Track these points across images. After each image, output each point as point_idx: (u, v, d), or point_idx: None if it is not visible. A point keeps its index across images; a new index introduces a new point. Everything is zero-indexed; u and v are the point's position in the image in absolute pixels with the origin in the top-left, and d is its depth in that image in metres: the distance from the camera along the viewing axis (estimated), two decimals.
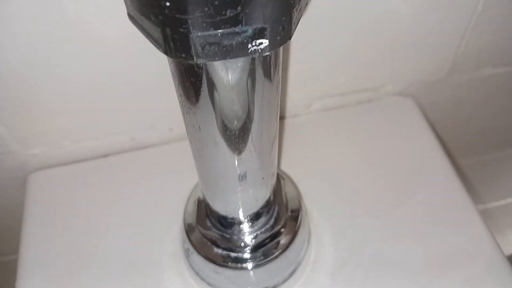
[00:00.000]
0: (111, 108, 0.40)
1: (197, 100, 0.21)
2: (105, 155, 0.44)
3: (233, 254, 0.33)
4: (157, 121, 0.43)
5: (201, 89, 0.21)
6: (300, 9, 0.17)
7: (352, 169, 0.43)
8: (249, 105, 0.22)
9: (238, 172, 0.27)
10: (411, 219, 0.40)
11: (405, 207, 0.41)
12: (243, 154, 0.25)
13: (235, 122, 0.23)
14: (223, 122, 0.23)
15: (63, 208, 0.41)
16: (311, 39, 0.39)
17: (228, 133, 0.23)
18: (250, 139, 0.24)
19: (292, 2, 0.16)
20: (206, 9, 0.15)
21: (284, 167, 0.43)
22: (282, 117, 0.47)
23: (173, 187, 0.41)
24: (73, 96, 0.38)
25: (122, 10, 0.30)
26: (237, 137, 0.24)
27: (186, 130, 0.25)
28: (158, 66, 0.37)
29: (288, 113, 0.46)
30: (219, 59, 0.17)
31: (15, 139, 0.40)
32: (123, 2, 0.17)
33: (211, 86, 0.20)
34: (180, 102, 0.23)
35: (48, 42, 0.33)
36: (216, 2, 0.15)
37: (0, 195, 0.46)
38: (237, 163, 0.26)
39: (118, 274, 0.37)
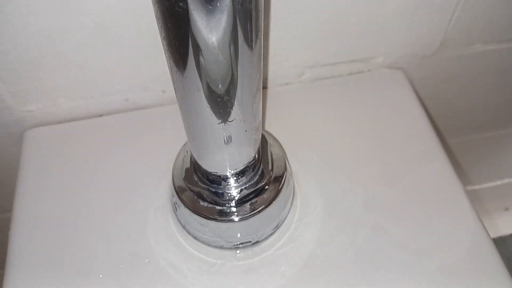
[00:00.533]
0: (106, 68, 0.41)
1: (179, 43, 0.22)
2: (100, 115, 0.45)
3: (218, 207, 0.35)
4: (150, 83, 0.44)
5: (183, 32, 0.22)
6: None
7: (340, 138, 0.44)
8: (229, 50, 0.23)
9: (221, 122, 0.28)
10: (399, 195, 0.40)
11: (390, 178, 0.42)
12: (225, 103, 0.26)
13: (216, 67, 0.24)
14: (205, 67, 0.24)
15: (57, 164, 0.42)
16: (303, 7, 0.40)
17: (210, 79, 0.24)
18: (231, 87, 0.25)
19: None
20: None
21: (275, 133, 0.44)
22: (273, 85, 0.48)
23: (164, 146, 0.42)
24: (68, 54, 0.39)
25: None
26: (218, 83, 0.25)
27: (172, 79, 0.26)
28: (153, 28, 0.37)
29: (280, 80, 0.47)
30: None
31: (11, 94, 0.42)
32: None
33: (193, 29, 0.21)
34: (164, 48, 0.24)
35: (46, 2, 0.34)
36: None
37: None
38: (220, 113, 0.27)
39: (106, 227, 0.38)
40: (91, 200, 0.40)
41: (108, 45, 0.39)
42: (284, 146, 0.42)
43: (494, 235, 0.90)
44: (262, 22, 0.24)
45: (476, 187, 0.80)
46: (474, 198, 0.78)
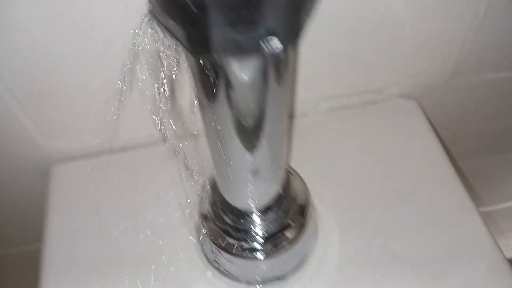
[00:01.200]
0: (131, 105, 0.43)
1: (214, 97, 0.24)
2: (124, 150, 0.47)
3: (244, 244, 0.36)
4: (173, 119, 0.45)
5: (218, 87, 0.23)
6: (309, 13, 0.20)
7: (357, 168, 0.45)
8: (261, 103, 0.24)
9: (251, 165, 0.29)
10: (414, 219, 0.42)
11: (408, 207, 0.42)
12: (255, 148, 0.27)
13: (249, 118, 0.25)
14: (237, 118, 0.25)
15: (83, 198, 0.44)
16: (318, 41, 0.41)
17: (241, 128, 0.26)
18: (262, 134, 0.26)
19: (302, 6, 0.19)
20: (227, 12, 0.17)
21: (293, 164, 0.45)
22: (291, 116, 0.49)
23: (188, 180, 0.43)
24: (96, 92, 0.41)
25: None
26: (250, 132, 0.26)
27: (203, 125, 0.28)
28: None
29: (297, 112, 0.49)
30: (234, 55, 0.20)
31: (39, 132, 0.43)
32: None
33: (227, 84, 0.23)
34: (197, 99, 0.25)
35: (73, 43, 0.36)
36: (235, 5, 0.17)
37: (23, 184, 0.49)
38: (250, 157, 0.28)
39: (132, 259, 0.39)
40: (118, 233, 0.41)
41: (133, 83, 0.41)
42: (303, 177, 0.43)
43: (509, 255, 0.89)
44: (290, 75, 0.25)
45: (490, 208, 0.80)
46: (488, 219, 0.78)
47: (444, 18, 0.42)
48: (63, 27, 0.35)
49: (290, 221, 0.37)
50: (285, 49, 0.20)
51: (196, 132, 0.47)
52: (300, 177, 0.41)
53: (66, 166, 0.47)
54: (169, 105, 0.39)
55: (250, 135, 0.26)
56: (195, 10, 0.17)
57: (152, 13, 0.20)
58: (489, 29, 0.45)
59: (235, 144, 0.27)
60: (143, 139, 0.46)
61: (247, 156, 0.28)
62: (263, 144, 0.27)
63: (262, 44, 0.19)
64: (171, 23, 0.19)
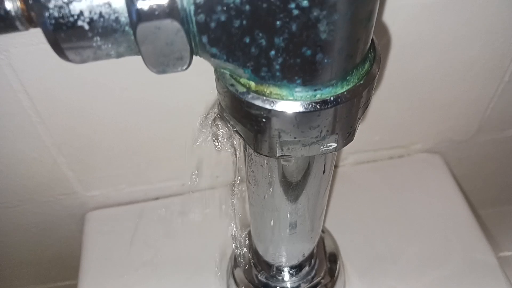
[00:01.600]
0: (166, 157, 0.45)
1: (267, 178, 0.25)
2: (157, 198, 0.48)
3: None
4: (205, 170, 0.47)
5: (272, 171, 0.25)
6: (362, 118, 0.21)
7: (382, 221, 0.46)
8: (307, 183, 0.26)
9: (290, 232, 0.30)
10: (437, 272, 0.43)
11: (432, 259, 0.44)
12: (297, 219, 0.29)
13: (294, 197, 0.27)
14: (284, 195, 0.27)
15: (117, 244, 0.45)
16: None
17: (287, 204, 0.27)
18: (303, 209, 0.28)
19: (358, 116, 0.20)
20: (294, 126, 0.19)
21: None
22: None
23: (219, 229, 0.45)
24: (135, 147, 0.42)
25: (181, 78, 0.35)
26: (294, 207, 0.28)
27: (249, 196, 0.29)
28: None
29: None
30: (294, 157, 0.21)
31: (79, 182, 0.45)
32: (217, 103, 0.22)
33: (281, 169, 0.24)
34: (249, 176, 0.27)
35: (116, 102, 0.38)
36: (303, 122, 0.19)
37: (59, 229, 0.51)
38: (291, 225, 0.30)
39: None
40: (149, 281, 0.43)
41: (168, 138, 0.43)
42: (330, 232, 0.44)
43: None
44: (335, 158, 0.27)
45: (507, 253, 0.81)
46: (505, 264, 0.78)
47: (472, 81, 0.44)
48: (109, 93, 0.37)
49: (321, 280, 0.38)
50: (339, 150, 0.22)
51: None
52: (331, 235, 0.42)
53: (100, 212, 0.48)
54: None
55: (293, 208, 0.28)
56: (264, 122, 0.19)
57: (221, 114, 0.22)
58: None
59: (278, 214, 0.29)
60: (176, 188, 0.48)
61: (287, 225, 0.30)
62: (305, 216, 0.29)
63: (322, 149, 0.21)
64: (241, 127, 0.21)
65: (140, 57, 0.17)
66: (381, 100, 0.44)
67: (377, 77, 0.20)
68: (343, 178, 0.50)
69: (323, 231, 0.41)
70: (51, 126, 0.39)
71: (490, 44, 0.40)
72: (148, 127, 0.41)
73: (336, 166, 0.51)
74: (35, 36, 0.32)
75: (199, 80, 0.36)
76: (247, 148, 0.25)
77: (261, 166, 0.25)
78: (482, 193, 0.63)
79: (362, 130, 0.47)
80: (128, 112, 0.39)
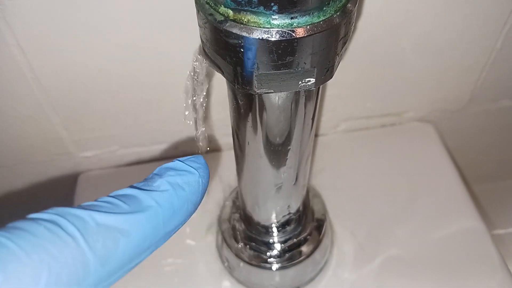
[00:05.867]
0: (160, 120, 0.45)
1: (249, 120, 0.26)
2: (150, 161, 0.49)
3: (262, 256, 0.38)
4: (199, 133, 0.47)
5: (254, 111, 0.25)
6: (341, 55, 0.22)
7: (373, 187, 0.47)
8: (291, 126, 0.26)
9: (276, 182, 0.31)
10: (426, 237, 0.43)
11: (420, 225, 0.44)
12: (282, 167, 0.29)
13: (278, 139, 0.27)
14: (268, 139, 0.27)
15: None
16: (342, 68, 0.43)
17: (271, 148, 0.28)
18: (289, 154, 0.29)
19: (336, 51, 0.21)
20: (271, 55, 0.19)
21: (312, 180, 0.47)
22: None
23: (211, 191, 0.45)
24: (128, 108, 0.43)
25: (183, 40, 0.35)
26: (278, 152, 0.28)
27: (234, 144, 0.30)
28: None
29: (317, 132, 0.51)
30: (274, 92, 0.22)
31: (73, 142, 0.46)
32: (199, 39, 0.22)
33: (262, 110, 0.25)
34: (233, 121, 0.28)
35: (111, 62, 0.38)
36: (280, 51, 0.19)
37: (53, 191, 0.51)
38: (276, 175, 0.30)
39: (151, 268, 0.42)
40: None
41: (163, 99, 0.43)
42: (321, 194, 0.44)
43: None
44: (318, 102, 0.27)
45: (501, 231, 0.81)
46: (499, 242, 0.79)
47: (464, 48, 0.44)
48: (106, 52, 0.37)
49: (307, 236, 0.39)
50: (318, 86, 0.22)
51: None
52: (318, 194, 0.43)
53: (93, 173, 0.49)
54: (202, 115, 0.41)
55: (277, 153, 0.28)
56: (243, 52, 0.19)
57: (203, 50, 0.22)
58: (506, 60, 0.47)
59: (263, 161, 0.29)
60: (170, 151, 0.49)
61: (273, 173, 0.30)
62: (289, 163, 0.29)
63: (301, 84, 0.21)
64: (220, 61, 0.21)
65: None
66: (372, 68, 0.44)
67: (354, 12, 0.21)
68: (335, 145, 0.51)
69: (312, 193, 0.42)
70: (46, 84, 0.39)
71: (481, 11, 0.40)
72: (142, 88, 0.41)
73: (327, 134, 0.51)
74: None
75: (193, 41, 0.36)
76: (230, 90, 0.26)
77: (244, 108, 0.25)
78: (475, 167, 0.63)
79: (354, 95, 0.47)
80: (123, 72, 0.39)
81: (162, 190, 0.18)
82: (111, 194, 0.17)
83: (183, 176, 0.19)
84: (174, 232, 0.18)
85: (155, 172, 0.19)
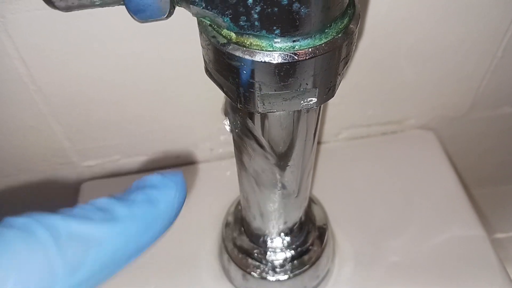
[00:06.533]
0: (162, 129, 0.45)
1: (252, 135, 0.26)
2: (152, 170, 0.49)
3: (265, 267, 0.38)
4: (200, 142, 0.48)
5: (257, 128, 0.25)
6: (343, 74, 0.22)
7: (374, 195, 0.47)
8: (292, 141, 0.27)
9: (278, 195, 0.31)
10: (427, 244, 0.44)
11: (420, 232, 0.44)
12: (283, 181, 0.30)
13: (280, 155, 0.27)
14: (271, 154, 0.27)
15: None
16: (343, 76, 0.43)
17: (273, 163, 0.28)
18: (291, 168, 0.29)
19: (337, 71, 0.21)
20: (274, 77, 0.19)
21: (313, 188, 0.47)
22: None
23: (212, 200, 0.46)
24: (130, 118, 0.43)
25: (185, 49, 0.35)
26: (280, 166, 0.28)
27: (236, 158, 0.30)
28: (205, 98, 0.42)
29: (318, 139, 0.51)
30: (276, 111, 0.22)
31: (76, 152, 0.46)
32: (202, 57, 0.22)
33: (265, 126, 0.25)
34: (236, 136, 0.28)
35: (113, 72, 0.38)
36: (282, 73, 0.19)
37: (55, 200, 0.52)
38: (278, 188, 0.30)
39: (157, 273, 0.42)
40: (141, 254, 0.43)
41: (164, 109, 0.43)
42: (322, 203, 0.45)
43: None
44: (320, 117, 0.27)
45: (501, 235, 0.81)
46: (499, 246, 0.79)
47: (465, 56, 0.44)
48: (108, 62, 0.37)
49: (309, 245, 0.39)
50: (320, 105, 0.22)
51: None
52: (319, 202, 0.43)
53: (95, 183, 0.49)
54: None
55: (279, 168, 0.29)
56: (245, 74, 0.20)
57: (207, 70, 0.22)
58: (507, 67, 0.47)
59: (266, 176, 0.29)
60: (171, 160, 0.49)
61: (275, 186, 0.30)
62: (291, 177, 0.30)
63: (303, 103, 0.21)
64: (223, 81, 0.21)
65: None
66: (373, 74, 0.44)
67: (356, 33, 0.21)
68: (336, 154, 0.51)
69: (313, 202, 0.42)
70: (48, 94, 0.39)
71: (482, 18, 0.41)
72: (144, 97, 0.42)
73: (329, 142, 0.51)
74: (32, 3, 0.32)
75: (196, 49, 0.36)
76: (233, 106, 0.26)
77: (245, 125, 0.25)
78: (476, 172, 0.64)
79: (355, 104, 0.47)
80: (125, 82, 0.40)
81: (137, 203, 0.18)
82: (88, 202, 0.17)
83: (160, 190, 0.19)
84: (147, 247, 0.18)
85: (134, 183, 0.19)
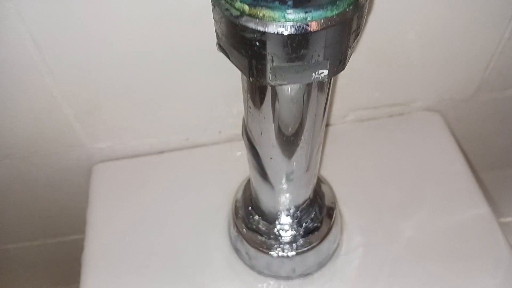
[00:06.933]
0: (171, 111, 0.46)
1: (263, 110, 0.27)
2: (161, 152, 0.50)
3: (274, 243, 0.38)
4: (209, 124, 0.48)
5: (268, 102, 0.26)
6: (353, 47, 0.22)
7: (381, 176, 0.48)
8: (303, 116, 0.27)
9: (287, 171, 0.32)
10: (434, 225, 0.44)
11: (429, 213, 0.45)
12: (293, 156, 0.30)
13: (290, 129, 0.28)
14: (280, 129, 0.28)
15: (122, 196, 0.47)
16: (351, 58, 0.43)
17: (284, 138, 0.28)
18: (301, 144, 0.29)
19: (348, 43, 0.21)
20: (286, 49, 0.20)
21: (321, 170, 0.48)
22: None
23: (220, 181, 0.46)
24: (140, 100, 0.44)
25: (196, 32, 0.36)
26: (290, 142, 0.29)
27: (248, 135, 0.30)
28: (215, 80, 0.43)
29: (326, 122, 0.51)
30: (288, 84, 0.22)
31: (86, 134, 0.46)
32: (215, 32, 0.23)
33: (276, 101, 0.26)
34: (247, 112, 0.28)
35: (124, 55, 0.39)
36: (294, 44, 0.20)
37: (67, 182, 0.52)
38: (288, 164, 0.31)
39: (168, 255, 0.43)
40: (153, 232, 0.44)
41: (174, 91, 0.44)
42: (330, 183, 0.45)
43: None
44: (330, 93, 0.28)
45: (509, 219, 0.82)
46: (506, 229, 0.79)
47: (472, 38, 0.44)
48: (119, 45, 0.38)
49: (318, 223, 0.39)
50: (331, 78, 0.23)
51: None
52: (328, 183, 0.44)
53: (106, 165, 0.50)
54: None
55: (289, 143, 0.29)
56: (258, 46, 0.20)
57: (219, 44, 0.23)
58: None
59: (275, 151, 0.30)
60: (180, 142, 0.49)
61: (284, 162, 0.31)
62: (301, 152, 0.30)
63: (314, 76, 0.22)
64: (236, 54, 0.22)
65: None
66: (380, 56, 0.45)
67: (366, 6, 0.21)
68: (344, 135, 0.51)
69: (322, 182, 0.42)
70: (59, 77, 0.40)
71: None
72: (154, 79, 0.42)
73: (336, 124, 0.52)
74: None
75: (206, 32, 0.37)
76: (245, 82, 0.26)
77: (258, 98, 0.26)
78: (483, 155, 0.64)
79: (362, 86, 0.48)
80: (134, 63, 0.40)
81: None
82: None
83: None
84: None
85: None
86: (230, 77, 0.41)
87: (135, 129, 0.47)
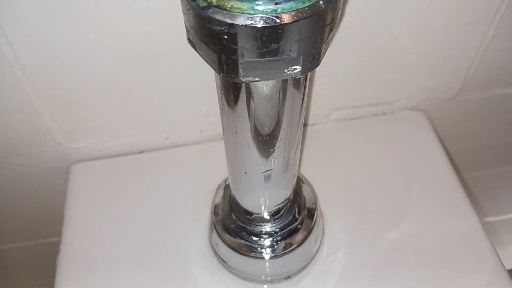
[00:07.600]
0: (150, 110, 0.45)
1: (237, 109, 0.26)
2: (141, 152, 0.49)
3: (254, 246, 0.38)
4: (190, 124, 0.47)
5: (242, 101, 0.25)
6: (328, 42, 0.22)
7: (364, 176, 0.47)
8: (279, 115, 0.26)
9: (265, 172, 0.31)
10: (417, 225, 0.43)
11: (411, 213, 0.44)
12: (270, 157, 0.29)
13: (267, 129, 0.27)
14: (256, 128, 0.27)
15: (100, 197, 0.46)
16: (333, 57, 0.43)
17: (260, 138, 0.28)
18: (277, 144, 0.28)
19: (322, 37, 0.20)
20: (256, 42, 0.19)
21: (302, 170, 0.47)
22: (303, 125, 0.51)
23: (201, 182, 0.45)
24: (117, 98, 0.43)
25: (176, 28, 0.35)
26: (267, 141, 0.28)
27: (224, 134, 0.30)
28: (195, 78, 0.42)
29: (308, 121, 0.50)
30: (260, 80, 0.21)
31: (63, 133, 0.45)
32: (184, 27, 0.22)
33: (250, 99, 0.25)
34: (221, 110, 0.27)
35: (101, 52, 0.38)
36: (264, 38, 0.19)
37: (44, 182, 0.51)
38: (265, 164, 0.30)
39: (146, 256, 0.41)
40: (130, 234, 0.43)
41: (153, 90, 0.43)
42: (312, 184, 0.44)
43: (508, 266, 0.91)
44: (307, 91, 0.27)
45: (492, 219, 0.82)
46: (488, 229, 0.79)
47: (455, 37, 0.44)
48: (93, 41, 0.37)
49: (298, 225, 0.39)
50: (305, 74, 0.22)
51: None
52: (309, 183, 0.43)
53: (85, 165, 0.49)
54: None
55: (266, 142, 0.28)
56: (226, 39, 0.19)
57: (188, 38, 0.22)
58: (498, 48, 0.46)
59: (251, 150, 0.29)
60: (160, 142, 0.48)
61: (262, 162, 0.30)
62: (278, 152, 0.29)
63: (287, 72, 0.21)
64: (205, 49, 0.21)
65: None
66: (362, 56, 0.44)
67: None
68: (326, 135, 0.50)
69: (302, 182, 0.42)
70: (32, 75, 0.39)
71: None
72: (132, 77, 0.41)
73: (319, 123, 0.51)
74: None
75: (183, 28, 0.36)
76: (217, 79, 0.25)
77: (232, 96, 0.25)
78: (466, 155, 0.64)
79: (345, 84, 0.47)
80: (112, 60, 0.39)
81: None
82: None
83: None
84: None
85: None
86: (211, 75, 0.40)
87: (114, 128, 0.46)
